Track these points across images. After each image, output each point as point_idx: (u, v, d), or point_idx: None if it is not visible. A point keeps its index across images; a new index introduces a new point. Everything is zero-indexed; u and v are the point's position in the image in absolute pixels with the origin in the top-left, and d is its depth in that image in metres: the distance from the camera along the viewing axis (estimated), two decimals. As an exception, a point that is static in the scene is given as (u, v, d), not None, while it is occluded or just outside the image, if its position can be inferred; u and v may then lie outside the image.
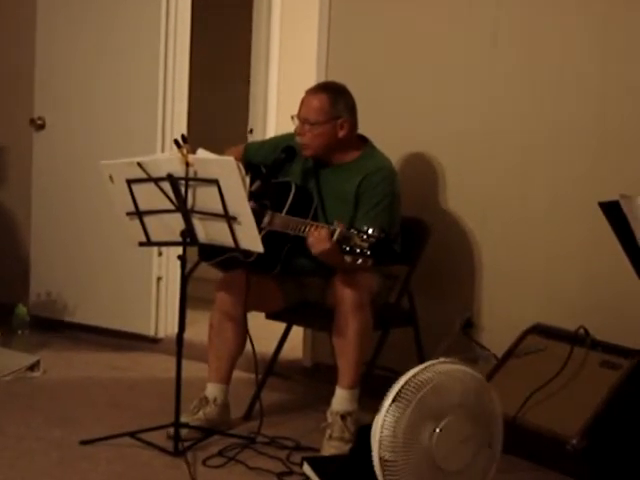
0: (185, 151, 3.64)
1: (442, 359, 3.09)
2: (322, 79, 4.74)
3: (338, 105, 4.01)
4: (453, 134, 4.57)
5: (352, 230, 3.51)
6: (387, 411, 2.95)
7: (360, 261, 3.46)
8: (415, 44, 4.67)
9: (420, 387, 2.97)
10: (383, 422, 2.95)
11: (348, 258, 3.49)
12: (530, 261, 4.41)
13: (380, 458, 2.97)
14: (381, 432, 2.95)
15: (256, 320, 4.21)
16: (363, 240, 3.46)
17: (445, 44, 4.59)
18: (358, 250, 3.46)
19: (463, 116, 4.55)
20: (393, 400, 2.95)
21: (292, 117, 4.05)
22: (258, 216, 3.80)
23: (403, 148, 4.62)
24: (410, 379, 2.98)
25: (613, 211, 2.84)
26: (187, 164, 3.60)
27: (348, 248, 3.48)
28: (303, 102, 4.03)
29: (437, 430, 2.98)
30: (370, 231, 3.46)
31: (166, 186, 3.66)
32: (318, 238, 3.66)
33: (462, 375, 3.04)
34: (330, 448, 3.75)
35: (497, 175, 4.47)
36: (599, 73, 4.19)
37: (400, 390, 2.96)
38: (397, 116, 4.70)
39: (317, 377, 4.70)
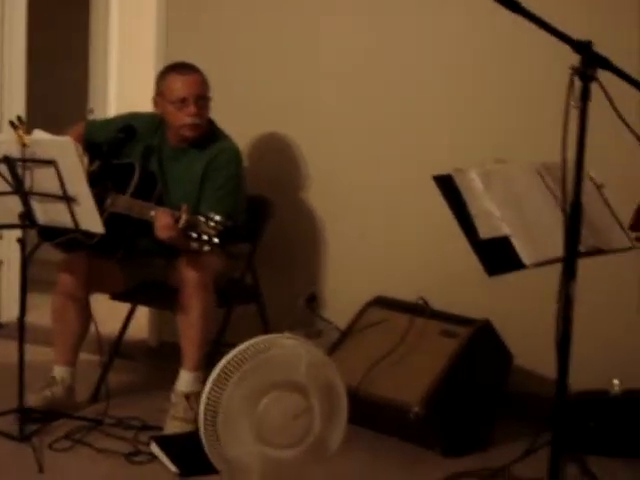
0: (21, 132, 3.58)
1: (279, 334, 3.12)
2: (162, 58, 4.71)
3: None
4: (301, 113, 4.61)
5: (198, 216, 3.48)
6: (214, 384, 2.94)
7: (207, 247, 3.45)
8: (262, 21, 4.68)
9: (251, 359, 2.96)
10: (209, 394, 2.95)
11: (194, 244, 3.46)
12: (371, 235, 4.50)
13: (208, 433, 2.95)
14: (206, 405, 2.93)
15: (101, 301, 4.18)
16: (210, 227, 3.44)
17: (295, 20, 4.61)
18: (205, 237, 3.43)
19: (311, 93, 4.59)
20: (222, 373, 2.95)
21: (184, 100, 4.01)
22: (100, 198, 3.77)
23: (249, 127, 4.63)
24: (241, 352, 2.98)
25: (446, 184, 2.91)
26: (23, 145, 3.55)
27: (195, 235, 3.45)
28: (189, 81, 4.00)
29: (263, 404, 2.98)
30: (217, 218, 3.43)
31: (3, 168, 3.60)
32: (164, 224, 3.62)
33: (299, 348, 3.06)
34: (173, 428, 3.76)
35: (340, 151, 4.54)
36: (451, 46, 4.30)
37: (230, 362, 2.96)
38: (243, 95, 4.70)
39: (163, 356, 4.69)
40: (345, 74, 4.50)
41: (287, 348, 3.05)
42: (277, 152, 4.67)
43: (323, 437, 3.08)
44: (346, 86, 4.50)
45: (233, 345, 3.95)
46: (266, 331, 4.20)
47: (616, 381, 3.80)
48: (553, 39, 2.49)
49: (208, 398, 2.93)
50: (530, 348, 3.90)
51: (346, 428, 3.15)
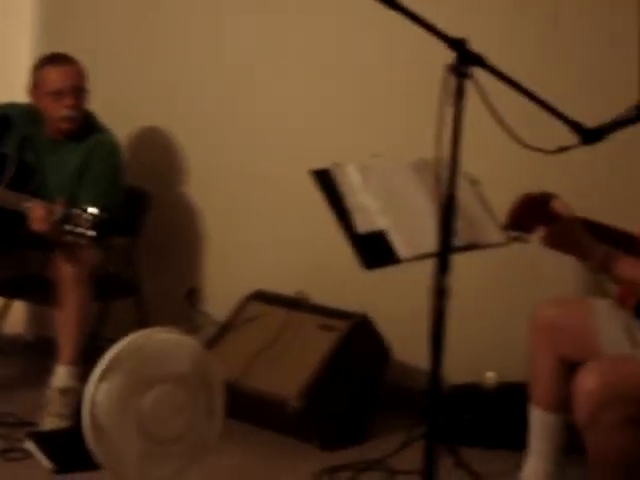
0: None
1: (159, 328, 3.09)
2: (39, 49, 4.63)
3: None
4: (181, 105, 4.58)
5: (74, 209, 3.42)
6: (97, 380, 2.90)
7: (82, 241, 3.40)
8: (140, 13, 4.65)
9: (132, 355, 2.94)
10: (93, 392, 2.91)
11: (70, 237, 3.41)
12: (251, 229, 4.49)
13: (91, 428, 2.89)
14: (91, 402, 2.88)
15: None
16: (86, 220, 3.38)
17: (174, 14, 4.58)
18: (80, 230, 3.38)
19: (192, 86, 4.57)
20: (103, 369, 2.92)
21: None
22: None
23: (128, 119, 4.60)
24: (122, 347, 2.93)
25: (324, 178, 2.92)
26: None
27: (70, 228, 3.39)
28: (65, 73, 3.93)
29: (150, 398, 2.96)
30: (93, 210, 3.37)
31: None
32: (39, 217, 3.55)
33: (178, 343, 3.05)
34: (49, 424, 3.71)
35: (219, 144, 4.53)
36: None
37: (111, 359, 2.93)
38: (122, 87, 4.67)
39: (39, 351, 4.63)
40: (227, 68, 4.49)
41: (166, 342, 3.03)
42: (157, 145, 4.64)
43: (202, 431, 3.07)
44: (227, 80, 4.49)
45: (111, 340, 3.93)
46: (145, 325, 4.17)
47: (490, 374, 3.88)
48: (431, 37, 2.51)
49: (90, 395, 2.89)
50: (407, 341, 3.94)
51: (224, 422, 3.15)
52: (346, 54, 4.25)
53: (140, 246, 4.29)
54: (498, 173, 3.73)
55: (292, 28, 4.35)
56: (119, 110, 4.42)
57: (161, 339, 3.03)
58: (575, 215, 2.92)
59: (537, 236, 2.87)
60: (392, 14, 2.49)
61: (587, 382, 2.58)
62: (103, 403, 2.89)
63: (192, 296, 4.52)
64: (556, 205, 2.90)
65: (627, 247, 2.87)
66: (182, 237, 4.64)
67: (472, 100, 2.50)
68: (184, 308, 4.50)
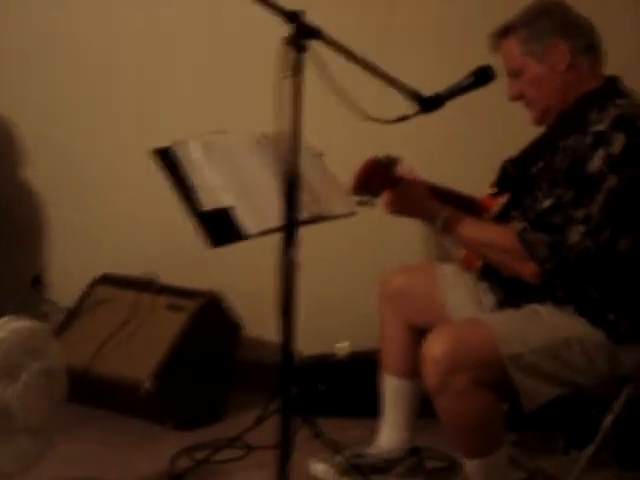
0: None
1: (7, 317, 3.02)
2: None
3: None
4: (17, 86, 4.44)
5: None
6: None
7: None
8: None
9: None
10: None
11: None
12: (98, 211, 4.42)
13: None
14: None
15: None
16: None
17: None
18: None
19: (29, 63, 4.43)
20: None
21: None
22: None
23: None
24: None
25: (166, 157, 2.88)
26: None
27: None
28: None
29: (16, 388, 2.91)
30: None
31: None
32: None
33: (27, 331, 2.99)
34: None
35: (60, 126, 4.41)
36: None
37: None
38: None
39: None
40: (63, 44, 4.38)
41: (7, 332, 2.97)
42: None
43: (49, 418, 3.01)
44: (66, 56, 4.38)
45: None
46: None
47: (343, 343, 3.92)
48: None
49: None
50: (258, 317, 3.91)
51: (77, 409, 3.09)
52: (184, 33, 4.21)
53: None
54: (342, 145, 3.75)
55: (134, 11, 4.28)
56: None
57: (16, 328, 2.97)
58: (418, 178, 2.95)
59: (382, 201, 2.89)
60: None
61: (434, 348, 2.61)
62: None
63: (37, 284, 4.42)
64: (400, 169, 2.91)
65: (470, 210, 2.92)
66: (24, 223, 4.52)
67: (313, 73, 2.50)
68: (29, 296, 4.40)
